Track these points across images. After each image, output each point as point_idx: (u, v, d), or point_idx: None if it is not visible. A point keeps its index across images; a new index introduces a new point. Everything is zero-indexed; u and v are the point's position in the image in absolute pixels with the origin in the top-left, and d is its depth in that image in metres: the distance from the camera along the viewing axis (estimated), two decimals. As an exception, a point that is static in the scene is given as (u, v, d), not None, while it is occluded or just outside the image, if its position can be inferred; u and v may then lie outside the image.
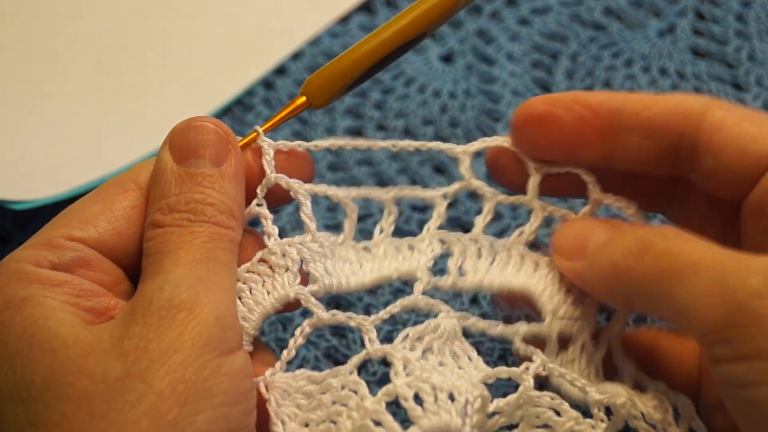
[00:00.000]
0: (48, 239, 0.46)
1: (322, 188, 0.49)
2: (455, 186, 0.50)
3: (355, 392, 0.44)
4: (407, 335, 0.46)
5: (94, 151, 0.64)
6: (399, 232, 0.60)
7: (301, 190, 0.48)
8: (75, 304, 0.44)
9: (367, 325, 0.46)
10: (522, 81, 0.66)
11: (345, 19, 0.70)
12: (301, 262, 0.47)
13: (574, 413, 0.45)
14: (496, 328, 0.46)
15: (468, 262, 0.48)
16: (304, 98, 0.50)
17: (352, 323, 0.46)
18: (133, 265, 0.47)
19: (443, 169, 0.64)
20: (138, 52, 0.69)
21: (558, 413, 0.45)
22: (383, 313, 0.47)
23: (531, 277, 0.48)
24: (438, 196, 0.50)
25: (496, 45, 0.68)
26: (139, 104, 0.67)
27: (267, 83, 0.67)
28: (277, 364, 0.45)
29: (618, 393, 0.45)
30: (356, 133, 0.65)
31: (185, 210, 0.46)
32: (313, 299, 0.46)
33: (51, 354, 0.43)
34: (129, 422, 0.41)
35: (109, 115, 0.66)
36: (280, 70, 0.68)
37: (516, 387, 0.45)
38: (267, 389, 0.45)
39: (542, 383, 0.46)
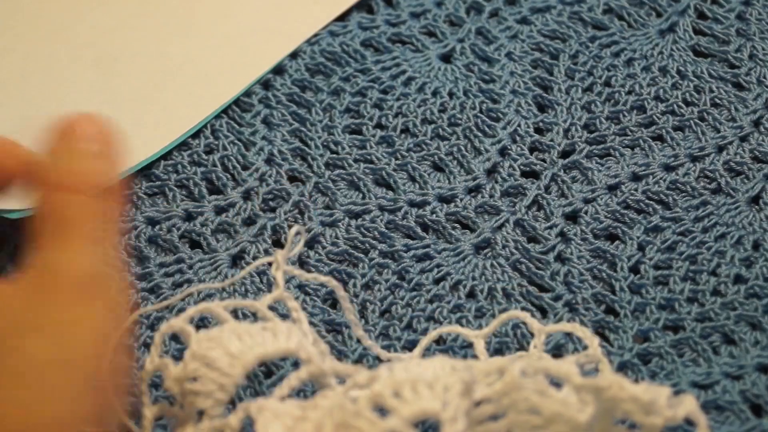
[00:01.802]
0: None
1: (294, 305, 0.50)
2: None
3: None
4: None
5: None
6: (398, 228, 0.60)
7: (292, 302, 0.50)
8: None
9: (363, 371, 0.46)
10: (522, 81, 0.66)
11: (345, 19, 0.69)
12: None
13: (560, 396, 0.45)
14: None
15: None
16: None
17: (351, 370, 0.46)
18: None
19: (442, 168, 0.63)
20: (136, 53, 0.69)
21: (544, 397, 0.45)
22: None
23: None
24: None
25: (496, 45, 0.68)
26: (137, 107, 0.66)
27: (265, 83, 0.67)
28: (271, 399, 0.45)
29: (603, 377, 0.45)
30: (355, 131, 0.65)
31: (94, 173, 0.46)
32: (313, 350, 0.46)
33: None
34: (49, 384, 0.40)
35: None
36: (279, 70, 0.67)
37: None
38: (257, 413, 0.45)
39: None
